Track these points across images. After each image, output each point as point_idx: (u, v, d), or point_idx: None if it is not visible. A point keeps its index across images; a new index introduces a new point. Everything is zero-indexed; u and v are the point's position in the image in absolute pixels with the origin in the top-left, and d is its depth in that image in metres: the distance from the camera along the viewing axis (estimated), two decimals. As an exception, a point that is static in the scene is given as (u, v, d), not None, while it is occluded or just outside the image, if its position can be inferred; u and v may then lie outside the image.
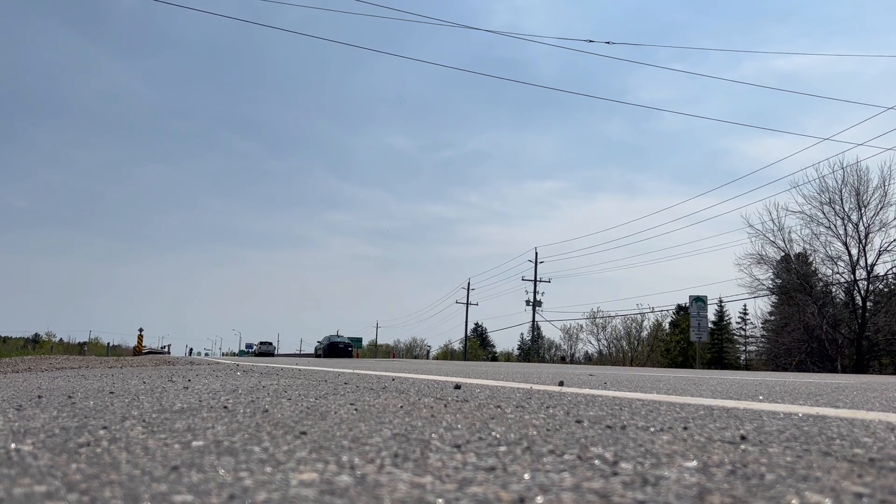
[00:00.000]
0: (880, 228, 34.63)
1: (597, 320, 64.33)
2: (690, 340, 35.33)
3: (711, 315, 57.94)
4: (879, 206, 34.42)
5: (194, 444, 1.61)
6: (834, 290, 37.48)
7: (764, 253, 38.26)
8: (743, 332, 64.06)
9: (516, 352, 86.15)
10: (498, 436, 1.81)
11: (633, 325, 62.03)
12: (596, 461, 1.43)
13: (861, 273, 35.24)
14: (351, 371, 7.17)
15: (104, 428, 1.90)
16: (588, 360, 66.52)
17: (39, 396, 3.13)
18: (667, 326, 61.09)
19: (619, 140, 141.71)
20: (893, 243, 34.57)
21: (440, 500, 1.05)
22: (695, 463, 1.41)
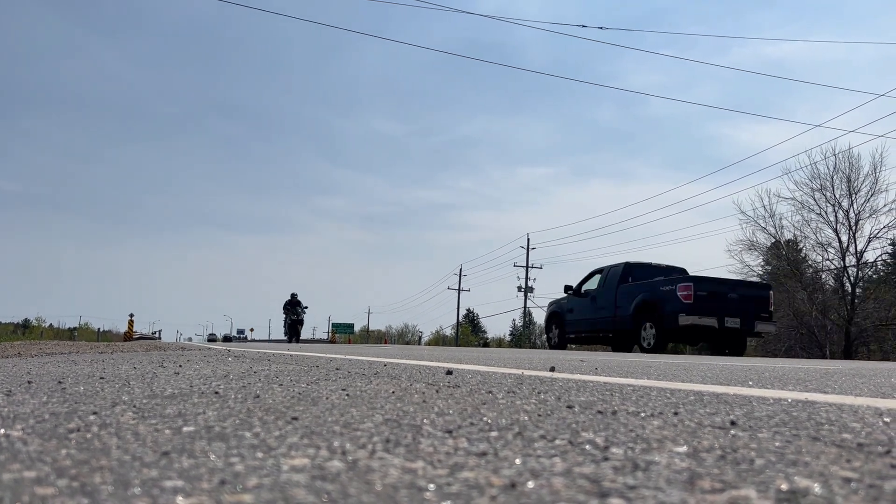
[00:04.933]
0: (870, 215, 34.86)
1: (588, 306, 64.46)
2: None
3: (702, 301, 57.99)
4: (870, 193, 34.62)
5: (185, 429, 1.60)
6: (824, 276, 37.73)
7: (755, 239, 38.43)
8: (733, 319, 64.32)
9: (508, 338, 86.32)
10: (489, 421, 1.81)
11: (625, 311, 62.14)
12: (587, 446, 1.43)
13: (851, 260, 35.48)
14: (343, 356, 7.17)
15: (94, 413, 1.90)
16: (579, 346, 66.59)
17: (29, 382, 3.11)
18: (658, 312, 61.22)
19: (609, 126, 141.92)
20: (883, 230, 34.83)
21: (432, 486, 1.05)
22: (685, 448, 1.42)
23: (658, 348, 16.15)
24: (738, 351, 16.79)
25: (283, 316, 29.00)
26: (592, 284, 19.11)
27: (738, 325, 15.55)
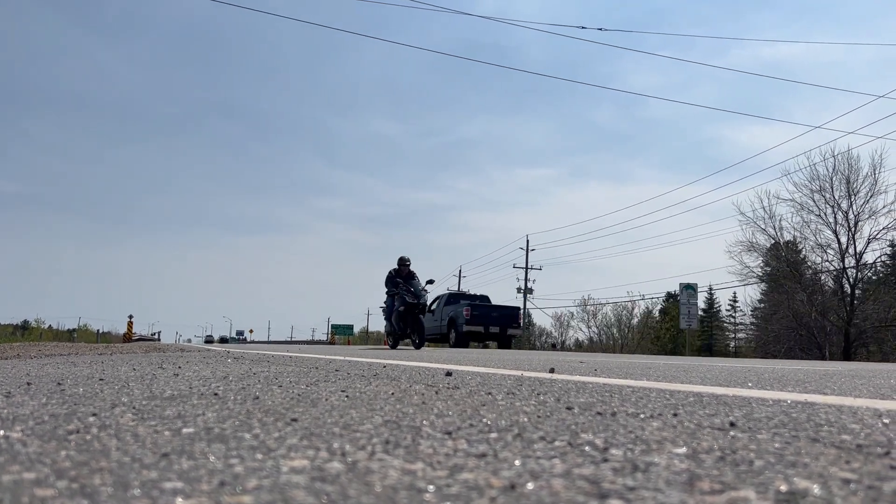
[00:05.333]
0: (870, 216, 34.89)
1: (587, 308, 64.58)
2: (680, 328, 35.51)
3: (701, 303, 58.27)
4: (869, 195, 34.65)
5: (184, 431, 1.60)
6: (823, 277, 37.74)
7: (754, 240, 38.46)
8: (732, 320, 64.50)
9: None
10: (489, 422, 1.82)
11: (624, 312, 62.33)
12: (586, 448, 1.43)
13: (850, 261, 35.49)
14: (342, 358, 7.17)
15: (94, 415, 1.90)
16: (579, 347, 66.79)
17: (28, 383, 3.11)
18: (657, 314, 61.39)
19: (608, 127, 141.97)
20: (882, 231, 34.86)
21: (431, 487, 1.05)
22: (684, 449, 1.42)
23: (458, 345, 25.10)
24: (506, 346, 26.64)
25: (387, 298, 15.74)
26: (433, 305, 27.96)
27: (497, 330, 25.92)
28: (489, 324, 25.66)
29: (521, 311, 27.74)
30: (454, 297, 27.97)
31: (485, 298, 28.96)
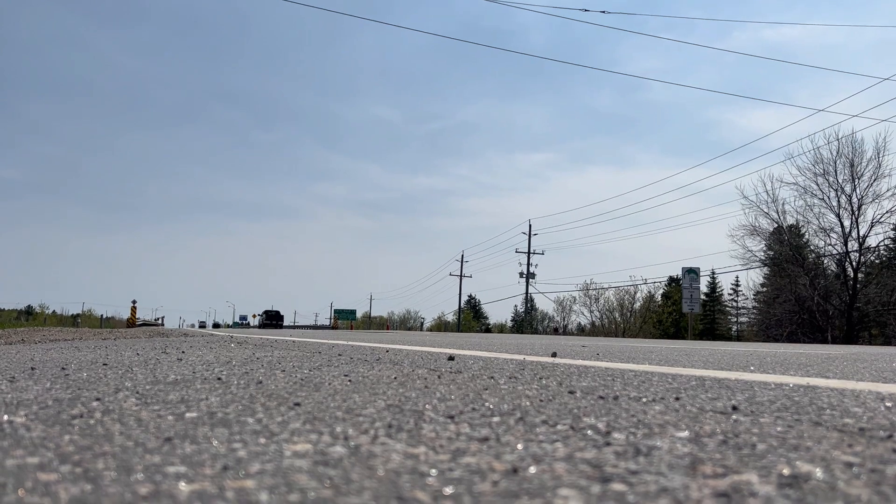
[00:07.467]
0: (873, 200, 34.74)
1: (590, 292, 64.72)
2: (682, 312, 35.56)
3: (704, 287, 58.26)
4: (873, 178, 34.49)
5: (188, 415, 1.61)
6: (826, 261, 37.69)
7: (757, 224, 38.37)
8: (735, 304, 64.50)
9: (510, 323, 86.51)
10: (491, 406, 1.82)
11: (626, 296, 62.47)
12: (589, 431, 1.43)
13: (853, 245, 35.42)
14: (345, 343, 7.19)
15: (97, 399, 1.90)
16: (581, 331, 66.94)
17: (32, 368, 3.13)
18: (659, 298, 61.45)
19: (608, 111, 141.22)
20: (886, 215, 34.74)
21: (434, 471, 1.06)
22: (687, 433, 1.42)
23: (262, 328, 56.78)
24: (280, 328, 59.71)
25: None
26: (261, 313, 70.72)
27: (276, 324, 67.79)
28: (272, 321, 64.04)
29: (283, 316, 65.07)
30: (265, 312, 65.26)
31: (277, 312, 67.05)
